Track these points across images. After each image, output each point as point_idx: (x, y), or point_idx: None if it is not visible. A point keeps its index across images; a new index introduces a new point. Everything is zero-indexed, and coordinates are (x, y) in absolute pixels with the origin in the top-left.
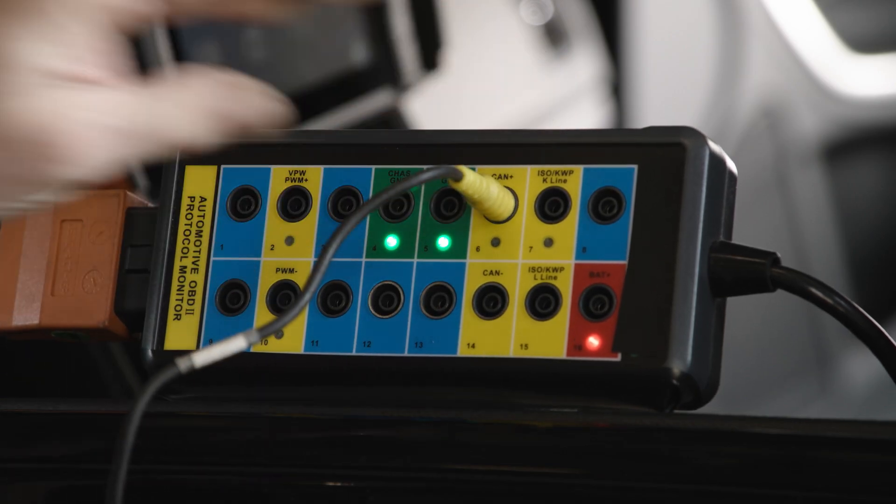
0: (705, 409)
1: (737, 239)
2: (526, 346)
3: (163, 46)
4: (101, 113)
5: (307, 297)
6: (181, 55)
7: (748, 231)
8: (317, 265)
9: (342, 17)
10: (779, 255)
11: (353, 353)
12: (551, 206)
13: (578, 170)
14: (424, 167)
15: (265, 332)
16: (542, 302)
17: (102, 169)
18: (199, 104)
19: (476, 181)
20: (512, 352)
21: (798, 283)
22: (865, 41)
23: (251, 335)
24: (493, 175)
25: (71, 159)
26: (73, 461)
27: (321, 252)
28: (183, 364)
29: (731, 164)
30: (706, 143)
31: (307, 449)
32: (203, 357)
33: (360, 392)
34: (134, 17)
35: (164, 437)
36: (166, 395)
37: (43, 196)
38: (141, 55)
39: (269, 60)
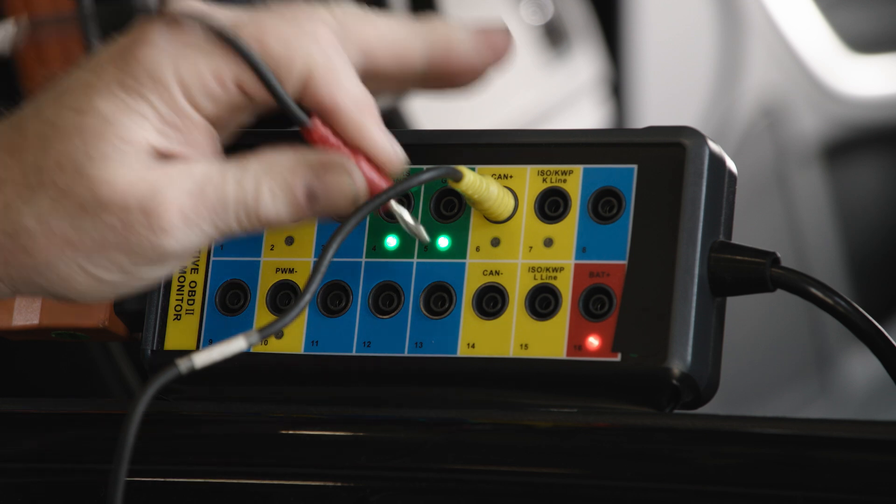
0: (705, 409)
1: (737, 239)
2: (526, 346)
3: None
4: (195, 184)
5: (307, 297)
6: None
7: (748, 231)
8: (317, 265)
9: None
10: (779, 255)
11: (353, 353)
12: (551, 205)
13: (578, 170)
14: (424, 167)
15: (265, 332)
16: (542, 302)
17: (193, 243)
18: (285, 181)
19: (476, 181)
20: (512, 352)
21: (798, 283)
22: (865, 41)
23: (251, 336)
24: (493, 175)
25: (169, 229)
26: (72, 461)
27: (321, 252)
28: (183, 364)
29: (730, 164)
30: (706, 143)
31: (307, 449)
32: (203, 358)
33: (360, 392)
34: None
35: (164, 437)
36: (166, 394)
37: (148, 272)
38: None
39: None
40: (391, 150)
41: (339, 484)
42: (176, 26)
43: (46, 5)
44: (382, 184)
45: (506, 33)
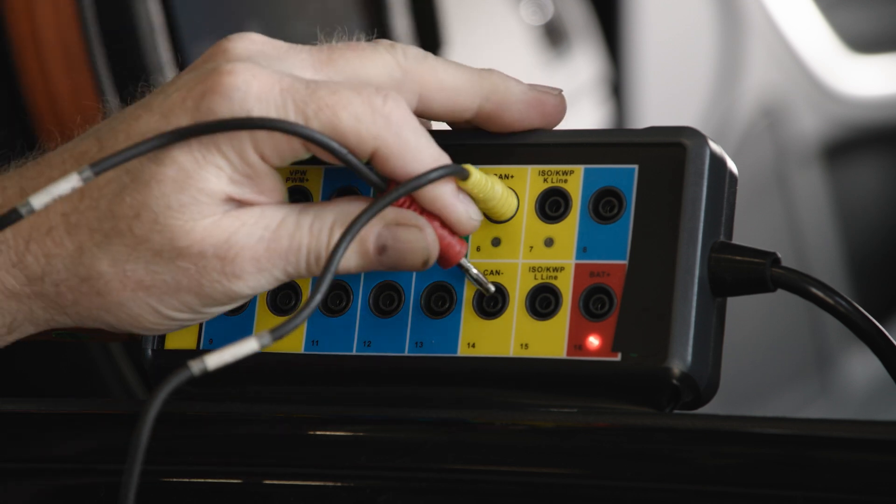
0: (705, 409)
1: (737, 239)
2: (526, 345)
3: (162, 46)
4: (270, 231)
5: (319, 297)
6: (181, 55)
7: (748, 231)
8: (326, 266)
9: (342, 16)
10: (779, 254)
11: (353, 352)
12: (552, 205)
13: (579, 170)
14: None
15: (277, 333)
16: (543, 302)
17: (262, 286)
18: (358, 232)
19: (482, 180)
20: (512, 351)
21: (798, 283)
22: (865, 41)
23: (263, 337)
24: (494, 175)
25: (242, 274)
26: (73, 461)
27: (329, 254)
28: (196, 366)
29: (731, 165)
30: (707, 144)
31: (307, 449)
32: (216, 359)
33: (360, 392)
34: (294, 153)
35: (164, 437)
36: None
37: (214, 311)
38: (141, 55)
39: None
40: (465, 215)
41: (339, 484)
42: (250, 77)
43: (47, 4)
44: (456, 244)
45: (560, 101)
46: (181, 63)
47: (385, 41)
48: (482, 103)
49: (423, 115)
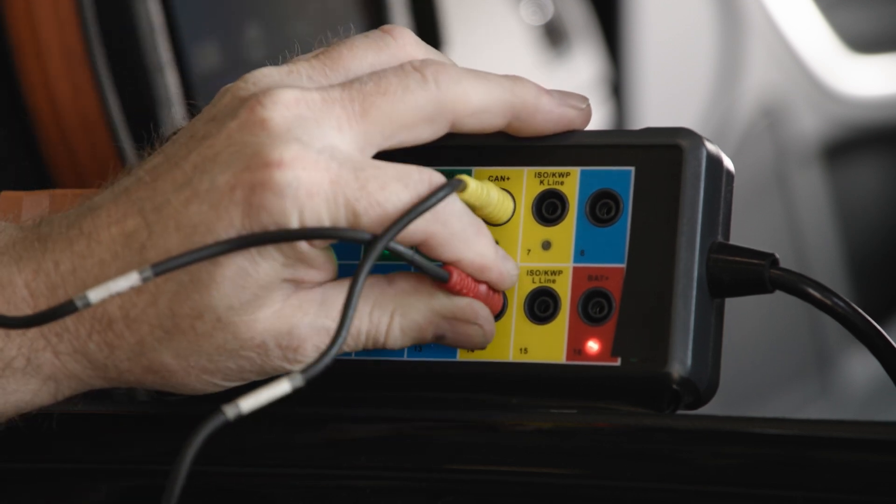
0: (705, 410)
1: (737, 238)
2: (525, 350)
3: (162, 46)
4: (323, 316)
5: (343, 332)
6: (181, 55)
7: (748, 231)
8: (345, 306)
9: (342, 16)
10: (778, 255)
11: (353, 356)
12: (549, 208)
13: (576, 172)
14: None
15: (308, 373)
16: (541, 305)
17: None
18: (417, 324)
19: (478, 189)
20: (511, 356)
21: (796, 284)
22: (865, 41)
23: (295, 378)
24: (491, 177)
25: (304, 359)
26: (73, 461)
27: (347, 296)
28: (230, 411)
29: (728, 164)
30: (703, 144)
31: (307, 449)
32: (250, 403)
33: (359, 396)
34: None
35: (164, 438)
36: (165, 395)
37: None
38: (141, 55)
39: (269, 60)
40: (508, 276)
41: (339, 484)
42: (300, 170)
43: (47, 4)
44: (498, 301)
45: (587, 113)
46: (181, 63)
47: (412, 70)
48: (512, 121)
49: (454, 131)
